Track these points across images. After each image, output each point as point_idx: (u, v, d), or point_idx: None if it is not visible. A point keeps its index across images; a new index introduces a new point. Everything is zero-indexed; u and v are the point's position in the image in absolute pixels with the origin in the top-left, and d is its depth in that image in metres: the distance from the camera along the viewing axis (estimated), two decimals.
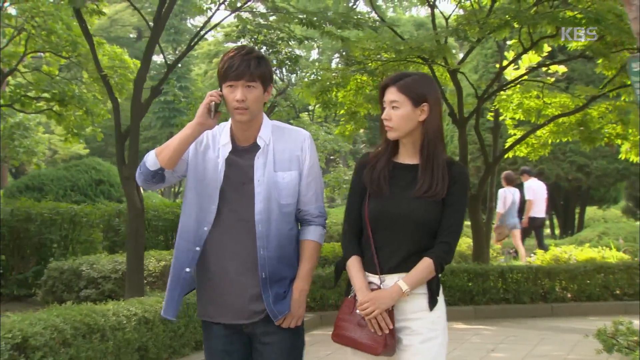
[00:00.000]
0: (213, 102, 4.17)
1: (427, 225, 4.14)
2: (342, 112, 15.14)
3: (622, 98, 14.59)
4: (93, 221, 13.53)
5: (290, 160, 4.39)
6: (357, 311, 4.14)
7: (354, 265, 4.27)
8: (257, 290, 4.28)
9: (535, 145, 15.37)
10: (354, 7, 42.76)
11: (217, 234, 4.34)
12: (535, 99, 15.00)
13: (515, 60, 14.43)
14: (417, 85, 4.20)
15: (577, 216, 27.95)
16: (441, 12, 14.38)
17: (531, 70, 14.93)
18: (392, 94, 4.21)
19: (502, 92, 14.94)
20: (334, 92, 14.18)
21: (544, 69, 15.25)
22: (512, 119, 15.81)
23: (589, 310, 13.03)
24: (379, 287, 4.16)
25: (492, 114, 15.90)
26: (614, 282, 13.77)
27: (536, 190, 19.02)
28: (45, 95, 16.82)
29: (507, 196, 18.55)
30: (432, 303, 4.15)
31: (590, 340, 7.49)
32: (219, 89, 4.29)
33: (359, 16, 13.34)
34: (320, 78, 14.02)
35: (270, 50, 14.21)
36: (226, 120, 4.55)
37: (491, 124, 16.28)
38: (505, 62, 15.18)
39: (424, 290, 4.16)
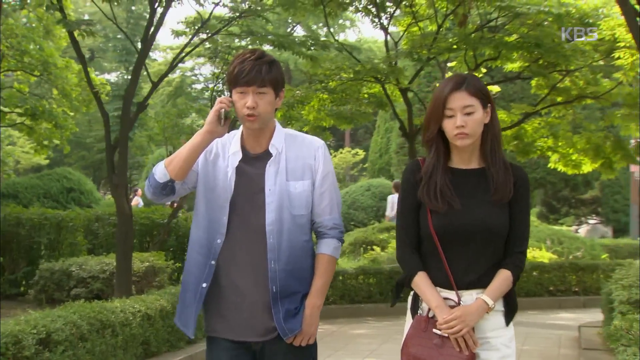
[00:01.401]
0: (223, 110, 3.67)
1: (500, 232, 3.58)
2: (305, 129, 15.08)
3: (552, 114, 14.82)
4: (77, 226, 13.34)
5: (303, 169, 3.85)
6: (436, 330, 3.55)
7: (423, 281, 3.64)
8: (268, 305, 3.74)
9: None
10: (292, 31, 42.96)
11: (228, 247, 3.80)
12: None
13: None
14: (481, 85, 3.64)
15: None
16: (391, 37, 14.39)
17: None
18: (463, 99, 3.56)
19: None
20: (299, 109, 14.18)
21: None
22: None
23: (527, 305, 13.21)
24: (458, 304, 3.57)
25: None
26: (548, 280, 14.07)
27: None
28: (18, 110, 16.63)
29: (394, 202, 19.68)
30: (510, 318, 3.66)
31: (536, 332, 7.53)
32: (229, 95, 3.78)
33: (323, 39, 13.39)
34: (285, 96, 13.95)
35: None
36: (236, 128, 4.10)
37: None
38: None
39: (500, 307, 3.63)
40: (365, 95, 14.43)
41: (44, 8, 11.35)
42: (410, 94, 14.40)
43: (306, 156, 3.87)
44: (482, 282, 3.59)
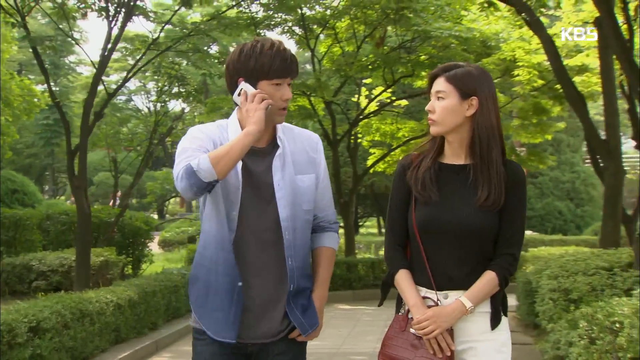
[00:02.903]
0: (269, 107, 3.08)
1: (482, 233, 3.06)
2: None
3: None
4: (33, 224, 12.99)
5: (308, 162, 3.31)
6: (412, 330, 3.08)
7: (403, 279, 3.14)
8: (281, 304, 3.20)
9: (390, 162, 15.71)
10: (208, 48, 42.49)
11: (239, 244, 3.19)
12: (389, 124, 15.35)
13: (380, 94, 14.75)
14: (468, 76, 3.10)
15: None
16: (316, 56, 14.45)
17: (384, 105, 15.34)
18: (439, 84, 3.11)
19: (366, 120, 15.24)
20: None
21: (396, 101, 15.64)
22: (370, 141, 16.14)
23: None
24: (437, 304, 3.07)
25: (352, 136, 16.16)
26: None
27: None
28: None
29: None
30: (495, 321, 3.06)
31: None
32: (244, 86, 3.11)
33: None
34: (222, 107, 13.87)
35: (180, 84, 13.97)
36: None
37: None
38: (363, 98, 15.59)
39: (486, 309, 3.08)
40: (293, 107, 14.44)
41: (11, 26, 11.00)
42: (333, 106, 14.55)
43: (308, 150, 3.34)
44: (466, 283, 3.05)
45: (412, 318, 3.09)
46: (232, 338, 3.19)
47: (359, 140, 16.49)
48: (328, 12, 13.24)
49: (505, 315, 3.11)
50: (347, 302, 12.72)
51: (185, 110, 18.29)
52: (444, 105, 3.08)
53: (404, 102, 16.18)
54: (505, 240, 3.08)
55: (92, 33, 55.33)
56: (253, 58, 3.09)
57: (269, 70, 3.07)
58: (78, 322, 7.18)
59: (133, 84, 45.52)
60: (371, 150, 16.26)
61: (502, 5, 11.96)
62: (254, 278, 3.19)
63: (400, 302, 3.20)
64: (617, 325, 4.47)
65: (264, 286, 3.19)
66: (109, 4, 10.69)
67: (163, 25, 11.86)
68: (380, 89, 14.78)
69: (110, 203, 22.71)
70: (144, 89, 42.40)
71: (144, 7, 11.15)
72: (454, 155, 3.17)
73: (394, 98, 15.70)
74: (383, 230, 27.89)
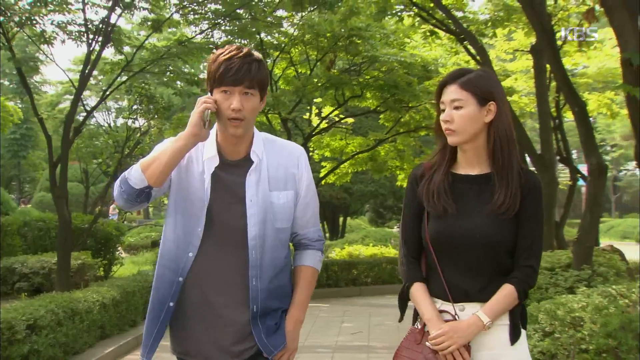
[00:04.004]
0: (208, 111, 2.73)
1: (501, 245, 2.77)
2: None
3: (398, 141, 15.29)
4: (14, 230, 12.79)
5: (286, 178, 2.94)
6: (428, 344, 2.79)
7: (419, 292, 2.85)
8: (246, 325, 2.88)
9: (340, 174, 15.85)
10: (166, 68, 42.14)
11: (202, 261, 2.88)
12: (339, 140, 15.50)
13: (331, 113, 14.87)
14: (483, 81, 2.79)
15: (340, 224, 28.77)
16: (272, 78, 14.49)
17: (334, 123, 15.50)
18: (453, 92, 2.76)
19: (318, 135, 15.36)
20: None
21: (344, 119, 15.79)
22: (320, 155, 16.27)
23: (385, 290, 13.38)
24: (454, 317, 2.77)
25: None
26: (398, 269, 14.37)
27: None
28: None
29: None
30: (515, 336, 2.79)
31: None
32: (209, 94, 2.82)
33: None
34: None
35: (150, 102, 13.89)
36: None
37: None
38: (313, 116, 15.73)
39: (507, 320, 2.80)
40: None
41: None
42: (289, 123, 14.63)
43: (288, 165, 2.96)
44: (483, 295, 2.78)
45: (428, 332, 2.81)
46: (143, 354, 2.97)
47: (310, 154, 16.60)
48: (285, 39, 13.33)
49: (525, 328, 2.84)
50: None
51: (152, 127, 18.11)
52: (463, 114, 2.76)
53: (350, 120, 16.38)
54: (523, 252, 2.78)
55: (55, 55, 54.54)
56: (212, 65, 2.82)
57: (215, 78, 2.78)
58: (70, 320, 7.17)
59: (95, 101, 44.92)
60: (323, 164, 16.40)
61: (441, 33, 12.23)
62: (217, 297, 2.89)
63: (417, 314, 2.91)
64: (578, 320, 4.63)
65: (227, 305, 2.89)
66: (88, 32, 10.64)
67: (136, 49, 11.83)
68: (330, 108, 14.93)
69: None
70: (106, 106, 41.88)
71: (120, 36, 11.14)
72: (468, 165, 2.87)
73: (342, 116, 15.90)
74: (327, 234, 27.94)
